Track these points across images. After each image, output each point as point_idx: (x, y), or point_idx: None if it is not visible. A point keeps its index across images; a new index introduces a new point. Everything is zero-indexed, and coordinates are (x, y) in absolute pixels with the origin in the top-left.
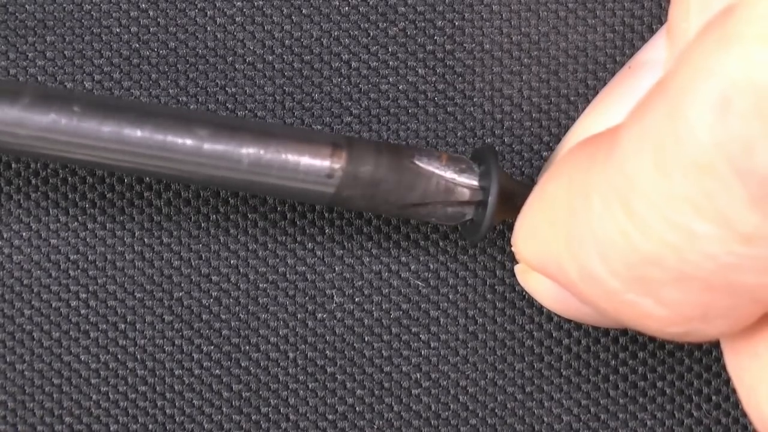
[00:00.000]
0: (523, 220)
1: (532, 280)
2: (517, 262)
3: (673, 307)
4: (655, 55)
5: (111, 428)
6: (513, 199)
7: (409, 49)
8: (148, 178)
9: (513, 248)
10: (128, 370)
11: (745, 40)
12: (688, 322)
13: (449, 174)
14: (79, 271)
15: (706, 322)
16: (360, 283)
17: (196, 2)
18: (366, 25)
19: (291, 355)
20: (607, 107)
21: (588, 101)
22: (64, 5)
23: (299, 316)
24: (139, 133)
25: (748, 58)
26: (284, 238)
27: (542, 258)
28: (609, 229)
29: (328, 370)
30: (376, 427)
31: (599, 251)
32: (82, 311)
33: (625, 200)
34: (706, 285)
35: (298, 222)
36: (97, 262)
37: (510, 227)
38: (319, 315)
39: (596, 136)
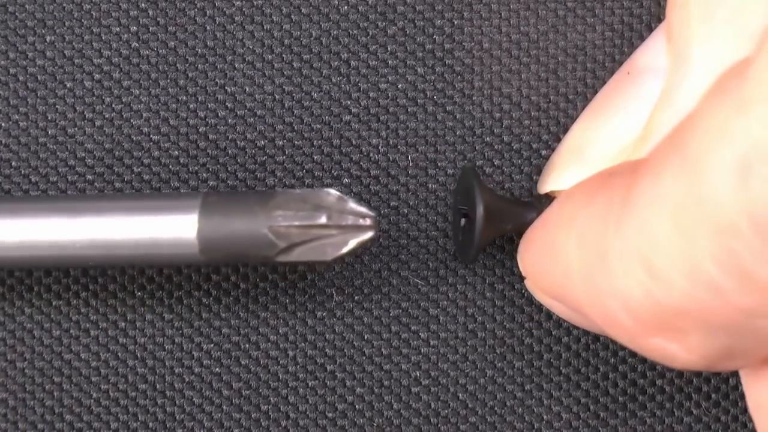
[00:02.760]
0: (531, 258)
1: (545, 297)
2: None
3: (698, 352)
4: (656, 62)
5: (111, 426)
6: (501, 218)
7: (408, 47)
8: (148, 177)
9: (525, 280)
10: (128, 368)
11: (764, 102)
12: (712, 363)
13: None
14: (78, 269)
15: (728, 360)
16: (359, 281)
17: (196, 1)
18: (365, 24)
19: (291, 353)
20: (610, 115)
21: (587, 100)
22: (64, 5)
23: (299, 314)
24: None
25: (767, 120)
26: None
27: (559, 296)
28: (631, 287)
29: (328, 368)
30: (375, 425)
31: (622, 305)
32: (83, 309)
33: (646, 260)
34: (730, 331)
35: None
36: None
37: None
38: (319, 313)
39: (604, 184)
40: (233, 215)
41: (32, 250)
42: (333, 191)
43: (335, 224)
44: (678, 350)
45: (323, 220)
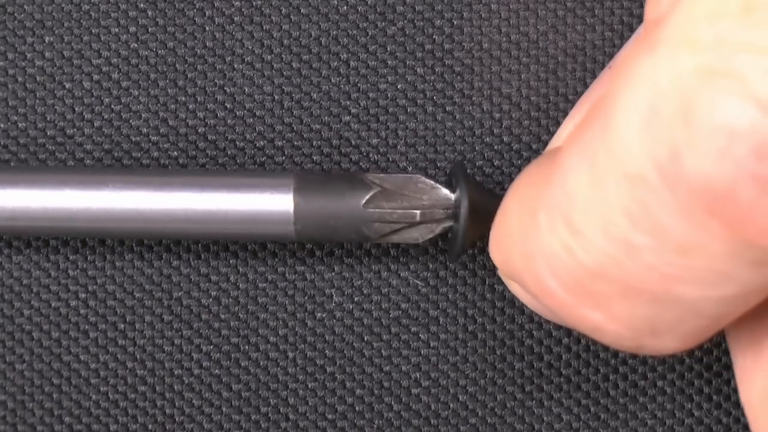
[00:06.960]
0: (491, 233)
1: (511, 284)
2: None
3: (623, 321)
4: None
5: (111, 428)
6: (489, 214)
7: (407, 48)
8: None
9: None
10: (127, 370)
11: (670, 46)
12: (638, 337)
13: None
14: (78, 270)
15: (655, 336)
16: (359, 282)
17: (195, 2)
18: (364, 24)
19: (290, 354)
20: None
21: None
22: (63, 5)
23: (298, 315)
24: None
25: (673, 63)
26: None
27: (509, 270)
28: (554, 245)
29: (328, 369)
30: (375, 426)
31: (549, 267)
32: (82, 311)
33: (567, 216)
34: (650, 298)
35: None
36: (96, 262)
37: None
38: (319, 314)
39: (548, 151)
40: (329, 202)
41: (132, 221)
42: (423, 178)
43: (428, 220)
44: (603, 320)
45: (417, 218)
